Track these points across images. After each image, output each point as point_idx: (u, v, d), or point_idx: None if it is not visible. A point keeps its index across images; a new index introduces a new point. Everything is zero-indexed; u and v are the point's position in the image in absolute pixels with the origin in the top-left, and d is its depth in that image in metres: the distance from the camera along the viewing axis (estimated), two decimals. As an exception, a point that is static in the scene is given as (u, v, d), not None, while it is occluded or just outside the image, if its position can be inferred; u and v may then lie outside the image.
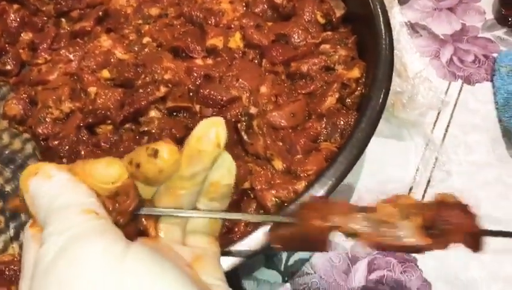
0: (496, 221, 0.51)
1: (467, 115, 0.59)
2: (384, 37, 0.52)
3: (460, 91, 0.61)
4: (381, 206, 0.31)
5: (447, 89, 0.62)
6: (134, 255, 0.24)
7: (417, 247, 0.31)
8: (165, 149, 0.27)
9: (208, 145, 0.28)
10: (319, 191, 0.42)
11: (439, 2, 0.72)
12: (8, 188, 0.51)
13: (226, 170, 0.30)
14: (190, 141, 0.28)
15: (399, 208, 0.31)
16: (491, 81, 0.63)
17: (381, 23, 0.53)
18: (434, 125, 0.58)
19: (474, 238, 0.31)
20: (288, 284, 0.49)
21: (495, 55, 0.66)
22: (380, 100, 0.46)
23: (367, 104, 0.47)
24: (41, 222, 0.27)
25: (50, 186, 0.27)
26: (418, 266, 0.49)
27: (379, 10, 0.55)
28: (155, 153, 0.28)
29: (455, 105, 0.60)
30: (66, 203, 0.26)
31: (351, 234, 0.30)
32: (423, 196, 0.53)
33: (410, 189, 0.53)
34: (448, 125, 0.58)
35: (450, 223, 0.31)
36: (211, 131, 0.28)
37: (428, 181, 0.54)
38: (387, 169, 0.55)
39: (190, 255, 0.30)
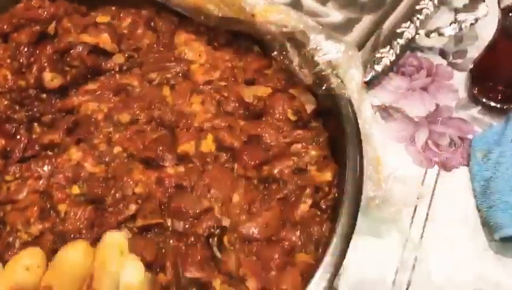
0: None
1: (446, 205, 0.59)
2: (352, 139, 0.53)
3: (437, 179, 0.61)
4: None
5: (424, 178, 0.61)
6: None
7: None
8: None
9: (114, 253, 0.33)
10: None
11: (412, 81, 0.73)
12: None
13: (133, 273, 0.33)
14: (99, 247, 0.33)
15: None
16: (468, 166, 0.62)
17: (349, 123, 0.54)
18: (412, 220, 0.57)
19: None
20: None
21: (470, 136, 0.66)
22: (352, 213, 0.46)
23: (338, 216, 0.47)
24: None
25: None
26: None
27: (347, 108, 0.55)
28: None
29: (432, 195, 0.59)
30: None
31: None
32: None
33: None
34: (426, 219, 0.58)
35: None
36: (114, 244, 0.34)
37: (409, 282, 0.53)
38: (367, 269, 0.54)
39: None
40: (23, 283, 0.30)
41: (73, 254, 0.32)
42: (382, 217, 0.56)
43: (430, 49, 0.76)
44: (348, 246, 0.45)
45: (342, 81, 0.56)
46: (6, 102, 0.60)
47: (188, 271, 0.46)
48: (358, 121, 0.55)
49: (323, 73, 0.56)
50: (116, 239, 0.33)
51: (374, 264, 0.54)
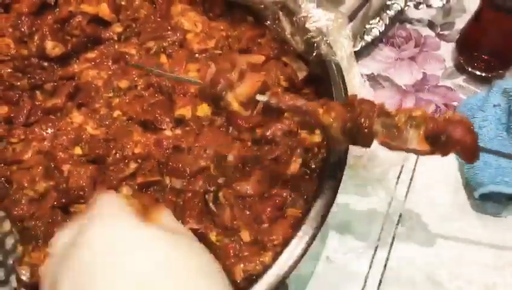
0: (457, 277, 0.53)
1: (430, 167, 0.62)
2: (341, 100, 0.55)
3: (422, 143, 0.64)
4: (399, 113, 0.41)
5: (409, 142, 0.64)
6: None
7: (418, 151, 0.41)
8: None
9: None
10: (288, 261, 0.44)
11: (401, 51, 0.76)
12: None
13: None
14: None
15: (411, 118, 0.41)
16: (452, 131, 0.65)
17: (337, 87, 0.56)
18: (397, 180, 0.60)
19: (469, 151, 0.40)
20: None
21: (455, 104, 0.69)
22: (338, 170, 0.49)
23: (326, 173, 0.50)
24: None
25: None
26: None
27: (335, 73, 0.58)
28: None
29: (417, 158, 0.62)
30: None
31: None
32: (388, 253, 0.55)
33: (376, 247, 0.55)
34: (411, 179, 0.61)
35: (451, 136, 0.39)
36: None
37: (393, 237, 0.56)
38: (353, 227, 0.57)
39: None
40: None
41: None
42: (369, 177, 0.59)
43: (419, 21, 0.79)
44: (333, 200, 0.48)
45: (331, 48, 0.58)
46: (9, 70, 0.63)
47: (186, 223, 0.49)
48: (347, 87, 0.57)
49: (314, 40, 0.59)
50: None
51: (361, 220, 0.57)
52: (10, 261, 0.52)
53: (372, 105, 0.43)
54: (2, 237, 0.54)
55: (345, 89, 0.56)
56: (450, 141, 0.39)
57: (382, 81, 0.72)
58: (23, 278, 0.48)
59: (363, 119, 0.42)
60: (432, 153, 0.41)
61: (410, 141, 0.40)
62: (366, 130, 0.42)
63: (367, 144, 0.43)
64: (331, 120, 0.43)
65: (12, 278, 0.52)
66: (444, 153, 0.41)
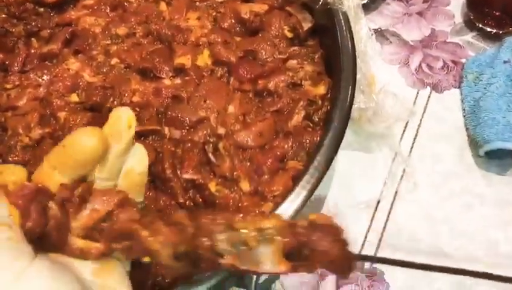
0: (460, 233, 0.53)
1: (435, 124, 0.60)
2: (346, 52, 0.53)
3: (428, 99, 0.63)
4: (247, 225, 0.31)
5: (415, 98, 0.62)
6: (34, 273, 0.26)
7: (276, 273, 0.32)
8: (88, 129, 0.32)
9: (122, 126, 0.33)
10: (287, 211, 0.43)
11: (409, 6, 0.73)
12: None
13: (138, 159, 0.35)
14: (108, 122, 0.33)
15: (264, 230, 0.30)
16: (459, 88, 0.64)
17: (344, 37, 0.54)
18: (402, 136, 0.59)
19: (340, 264, 0.30)
20: (259, 301, 0.51)
21: (463, 60, 0.67)
22: (342, 122, 0.47)
23: (329, 124, 0.48)
24: None
25: None
26: (385, 280, 0.50)
27: (343, 22, 0.55)
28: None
29: (423, 114, 0.61)
30: None
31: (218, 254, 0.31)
32: (390, 208, 0.54)
33: (378, 202, 0.55)
34: (416, 136, 0.59)
35: (315, 249, 0.30)
36: (123, 116, 0.33)
37: (396, 193, 0.55)
38: (356, 182, 0.56)
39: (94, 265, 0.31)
40: None
41: (87, 139, 0.32)
42: (373, 133, 0.57)
43: (429, -26, 0.76)
44: (335, 154, 0.47)
45: (339, -2, 0.56)
46: (3, 15, 0.61)
47: (185, 173, 0.48)
48: (354, 38, 0.55)
49: (320, -12, 0.57)
50: (124, 112, 0.34)
51: (364, 175, 0.56)
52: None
53: (213, 218, 0.31)
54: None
55: (352, 39, 0.54)
56: (315, 254, 0.30)
57: (389, 36, 0.70)
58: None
59: (202, 239, 0.31)
60: (294, 271, 0.31)
61: (263, 261, 0.30)
62: (207, 253, 0.31)
63: (213, 267, 0.32)
64: (159, 246, 0.31)
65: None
66: (310, 270, 0.31)
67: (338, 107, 0.49)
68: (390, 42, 0.69)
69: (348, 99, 0.48)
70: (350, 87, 0.50)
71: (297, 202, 0.44)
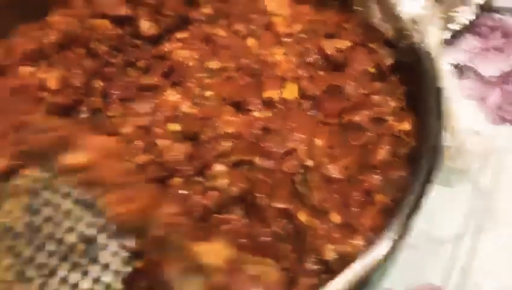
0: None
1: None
2: (431, 88, 0.55)
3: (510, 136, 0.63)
4: None
5: (496, 135, 0.63)
6: None
7: None
8: None
9: None
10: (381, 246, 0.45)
11: (487, 41, 0.74)
12: (89, 232, 0.56)
13: None
14: None
15: None
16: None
17: (429, 72, 0.56)
18: (483, 172, 0.60)
19: None
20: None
21: (544, 98, 0.67)
22: (431, 160, 0.49)
23: (418, 160, 0.50)
24: None
25: None
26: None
27: (426, 59, 0.58)
28: None
29: (504, 151, 0.61)
30: None
31: None
32: (473, 245, 0.55)
33: (459, 238, 0.56)
34: (497, 172, 0.60)
35: None
36: None
37: (476, 230, 0.56)
38: (435, 216, 0.57)
39: None
40: None
41: None
42: (454, 168, 0.59)
43: (507, 10, 0.77)
44: (427, 191, 0.48)
45: (422, 35, 0.58)
46: (105, 48, 0.66)
47: (277, 202, 0.51)
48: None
49: (403, 26, 0.59)
50: None
51: (444, 211, 0.57)
52: (111, 227, 0.56)
53: None
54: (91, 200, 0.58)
55: (437, 76, 0.56)
56: None
57: (466, 71, 0.71)
58: (127, 243, 0.51)
59: None
60: None
61: None
62: None
63: None
64: None
65: (113, 242, 0.56)
66: None
67: (427, 144, 0.50)
68: (468, 77, 0.70)
69: (438, 137, 0.50)
70: (439, 124, 0.52)
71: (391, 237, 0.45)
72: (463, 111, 0.61)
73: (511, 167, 0.61)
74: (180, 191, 0.52)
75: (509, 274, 0.53)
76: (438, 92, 0.55)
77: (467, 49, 0.73)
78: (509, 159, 0.61)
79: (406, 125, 0.56)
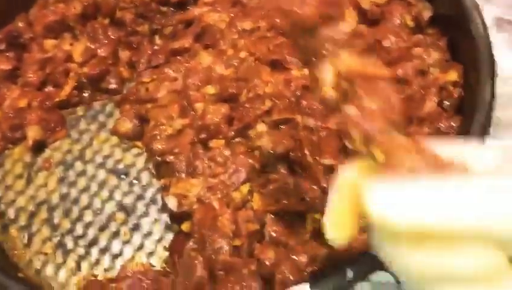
0: None
1: None
2: (481, 37, 0.53)
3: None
4: None
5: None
6: None
7: None
8: None
9: None
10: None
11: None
12: (127, 200, 0.55)
13: None
14: None
15: None
16: None
17: (477, 23, 0.54)
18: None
19: None
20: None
21: None
22: (487, 105, 0.47)
23: (470, 111, 0.48)
24: None
25: None
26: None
27: (473, 9, 0.55)
28: None
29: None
30: None
31: None
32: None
33: None
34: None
35: None
36: None
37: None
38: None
39: None
40: None
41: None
42: (500, 119, 0.56)
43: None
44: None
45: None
46: (131, 16, 0.64)
47: (324, 158, 0.49)
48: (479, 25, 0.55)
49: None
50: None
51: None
52: (148, 194, 0.55)
53: None
54: (138, 172, 0.57)
55: (485, 27, 0.53)
56: None
57: (504, 25, 0.68)
58: (170, 206, 0.49)
59: None
60: None
61: None
62: None
63: None
64: None
65: (152, 209, 0.54)
66: None
67: (480, 95, 0.48)
68: (505, 31, 0.68)
69: (491, 89, 0.48)
70: (491, 74, 0.50)
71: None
72: (507, 63, 0.59)
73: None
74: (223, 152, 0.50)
75: None
76: (488, 43, 0.53)
77: (501, 2, 0.70)
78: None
79: (453, 76, 0.53)
